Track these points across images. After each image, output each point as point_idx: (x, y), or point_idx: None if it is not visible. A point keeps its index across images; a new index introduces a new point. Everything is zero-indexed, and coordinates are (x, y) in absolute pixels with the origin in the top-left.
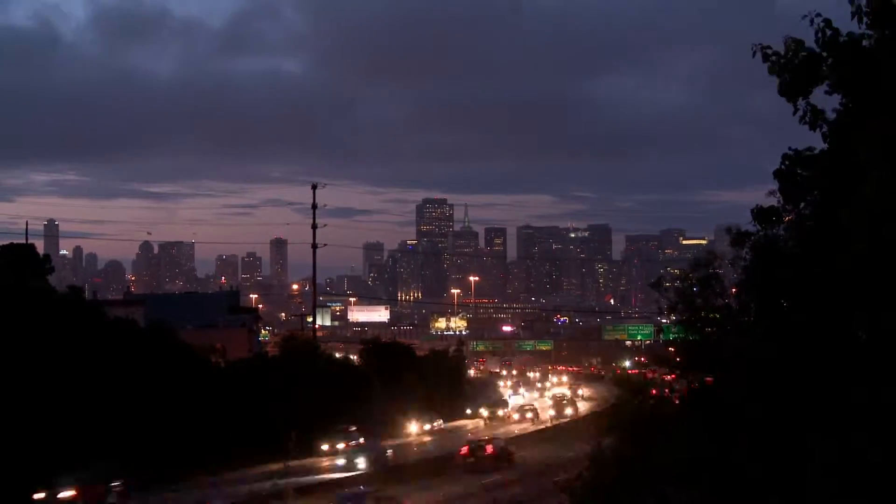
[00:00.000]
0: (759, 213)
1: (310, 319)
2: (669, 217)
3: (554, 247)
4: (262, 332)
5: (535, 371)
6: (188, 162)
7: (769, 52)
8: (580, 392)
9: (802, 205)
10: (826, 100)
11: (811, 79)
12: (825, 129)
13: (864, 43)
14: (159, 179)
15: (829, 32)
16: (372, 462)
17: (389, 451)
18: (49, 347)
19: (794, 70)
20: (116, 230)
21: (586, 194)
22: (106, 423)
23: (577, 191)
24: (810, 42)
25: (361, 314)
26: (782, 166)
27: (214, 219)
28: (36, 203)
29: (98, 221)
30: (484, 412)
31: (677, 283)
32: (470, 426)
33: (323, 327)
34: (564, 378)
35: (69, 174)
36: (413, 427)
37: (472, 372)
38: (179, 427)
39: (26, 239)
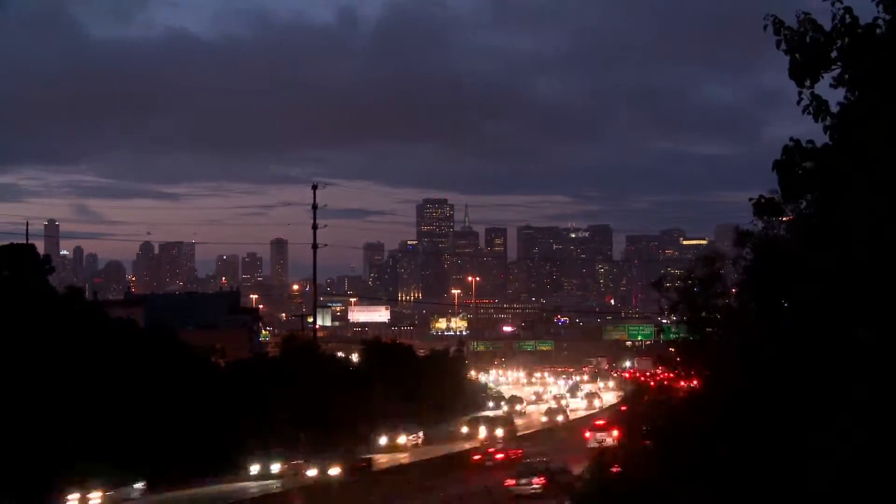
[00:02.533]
0: (759, 205)
1: (310, 320)
2: (686, 218)
3: (554, 247)
4: (263, 332)
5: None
6: (207, 162)
7: (783, 26)
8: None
9: (804, 203)
10: (831, 92)
11: (821, 62)
12: (828, 121)
13: (878, 31)
14: (178, 180)
15: (847, 19)
16: None
17: None
18: (48, 348)
19: (804, 49)
20: (127, 231)
21: (597, 194)
22: (105, 424)
23: (588, 191)
24: (827, 27)
25: (362, 314)
26: (783, 158)
27: (228, 219)
28: (49, 204)
29: (114, 222)
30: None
31: (678, 283)
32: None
33: (323, 327)
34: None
35: (87, 174)
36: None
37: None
38: (179, 427)
39: (27, 239)
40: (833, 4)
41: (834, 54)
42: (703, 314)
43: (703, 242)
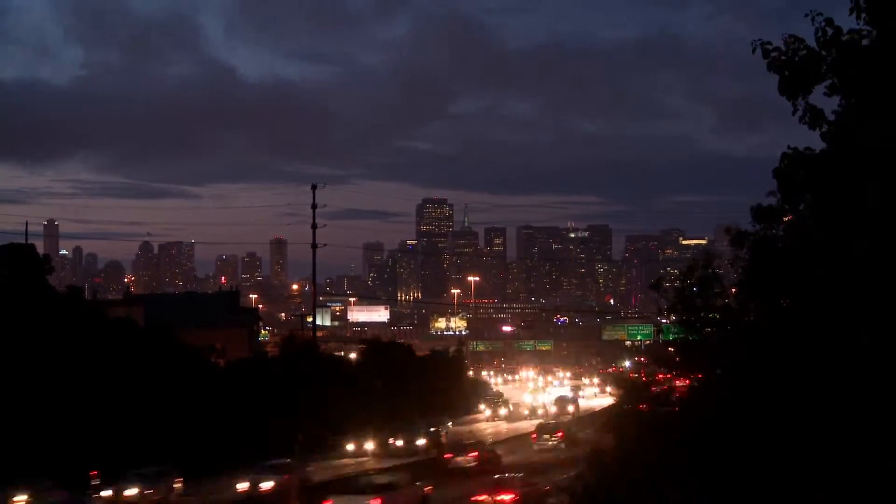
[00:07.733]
0: (759, 213)
1: (310, 319)
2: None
3: (554, 247)
4: (262, 332)
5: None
6: (235, 164)
7: (769, 47)
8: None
9: (802, 205)
10: (825, 100)
11: (812, 77)
12: (825, 128)
13: (864, 41)
14: (207, 181)
15: (829, 31)
16: None
17: None
18: (47, 347)
19: (794, 67)
20: (156, 230)
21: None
22: (104, 424)
23: (617, 191)
24: (811, 41)
25: (361, 314)
26: (781, 165)
27: (246, 219)
28: (67, 205)
29: (137, 223)
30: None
31: (676, 284)
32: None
33: (323, 327)
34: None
35: (115, 175)
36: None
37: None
38: (179, 427)
39: (26, 239)
40: (813, 20)
41: (823, 68)
42: (702, 314)
43: (703, 242)
